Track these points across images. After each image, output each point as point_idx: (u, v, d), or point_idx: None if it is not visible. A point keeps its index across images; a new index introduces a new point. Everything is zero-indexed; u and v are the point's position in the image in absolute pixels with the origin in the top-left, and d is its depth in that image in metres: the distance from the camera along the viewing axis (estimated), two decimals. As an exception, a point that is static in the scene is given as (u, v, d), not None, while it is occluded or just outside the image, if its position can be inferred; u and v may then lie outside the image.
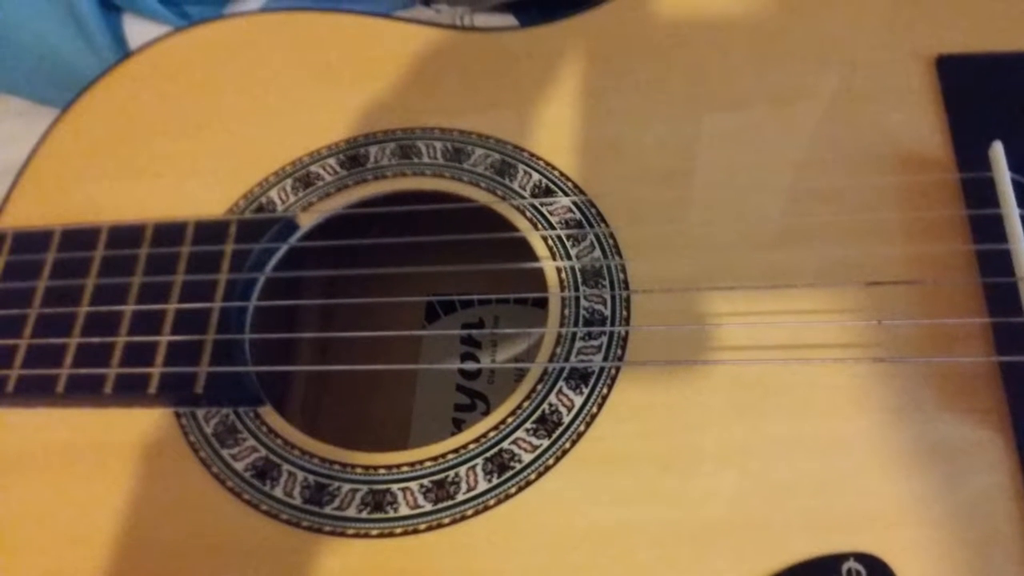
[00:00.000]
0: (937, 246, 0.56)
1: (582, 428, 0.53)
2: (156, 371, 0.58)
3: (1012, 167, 0.56)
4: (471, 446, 0.54)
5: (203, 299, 0.60)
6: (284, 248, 0.63)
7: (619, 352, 0.55)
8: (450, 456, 0.54)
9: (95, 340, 0.59)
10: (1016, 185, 0.55)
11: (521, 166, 0.63)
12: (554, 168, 0.62)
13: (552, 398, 0.54)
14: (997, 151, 0.57)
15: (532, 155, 0.63)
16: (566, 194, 0.61)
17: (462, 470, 0.53)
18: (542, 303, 0.58)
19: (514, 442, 0.53)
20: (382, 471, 0.54)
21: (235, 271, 0.60)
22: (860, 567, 0.48)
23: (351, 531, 0.52)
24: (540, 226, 0.60)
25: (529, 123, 0.64)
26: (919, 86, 0.62)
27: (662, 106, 0.63)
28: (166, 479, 0.55)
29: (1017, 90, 0.61)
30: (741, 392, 0.53)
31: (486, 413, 0.66)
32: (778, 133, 0.61)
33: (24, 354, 0.60)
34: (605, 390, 0.54)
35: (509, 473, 0.52)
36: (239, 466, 0.55)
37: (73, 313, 0.60)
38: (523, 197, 0.61)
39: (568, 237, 0.59)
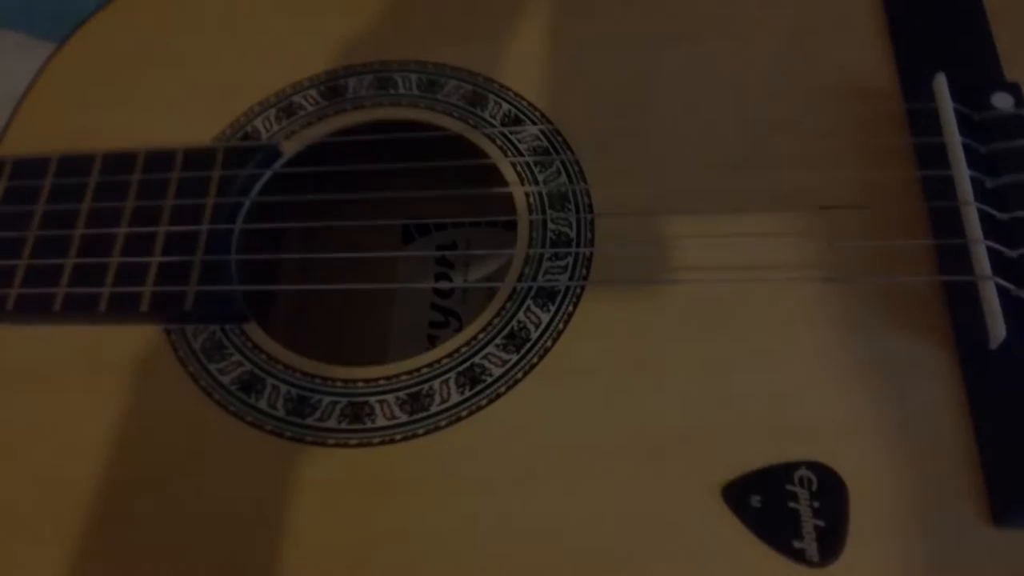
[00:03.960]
0: (885, 172, 0.53)
1: (549, 344, 0.50)
2: (147, 290, 0.55)
3: (954, 97, 0.53)
4: (444, 361, 0.51)
5: (192, 222, 0.57)
6: (268, 174, 0.60)
7: (584, 272, 0.52)
8: (424, 370, 0.51)
9: (90, 261, 0.57)
10: (958, 115, 0.53)
11: (492, 96, 0.60)
12: (523, 98, 0.59)
13: (521, 315, 0.52)
14: (940, 83, 0.54)
15: (502, 86, 0.60)
16: (534, 123, 0.58)
17: (436, 383, 0.50)
18: (511, 226, 0.56)
19: (485, 357, 0.51)
20: (361, 384, 0.51)
21: (222, 196, 0.58)
22: (811, 475, 0.45)
23: (331, 441, 0.49)
24: (509, 153, 0.57)
25: (499, 56, 0.61)
26: (867, 20, 0.59)
27: (624, 38, 0.60)
28: (157, 392, 0.52)
29: (959, 24, 0.58)
30: (699, 310, 0.50)
31: (459, 330, 0.64)
32: (735, 64, 0.58)
33: (23, 274, 0.57)
34: (571, 308, 0.51)
35: (480, 386, 0.50)
36: (225, 380, 0.52)
37: (69, 235, 0.58)
38: (493, 126, 0.59)
39: (536, 164, 0.57)
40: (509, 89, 0.60)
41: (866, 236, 0.51)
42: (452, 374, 0.50)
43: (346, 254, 0.59)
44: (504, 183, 0.57)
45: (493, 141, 0.58)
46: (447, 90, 0.61)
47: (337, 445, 0.49)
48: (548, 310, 0.51)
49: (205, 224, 0.57)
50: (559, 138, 0.57)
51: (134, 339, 0.54)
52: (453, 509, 0.47)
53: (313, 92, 0.62)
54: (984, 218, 0.49)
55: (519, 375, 0.50)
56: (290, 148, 0.60)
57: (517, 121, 0.58)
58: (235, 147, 0.60)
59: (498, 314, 0.52)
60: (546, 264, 0.53)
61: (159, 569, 0.47)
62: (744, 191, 0.53)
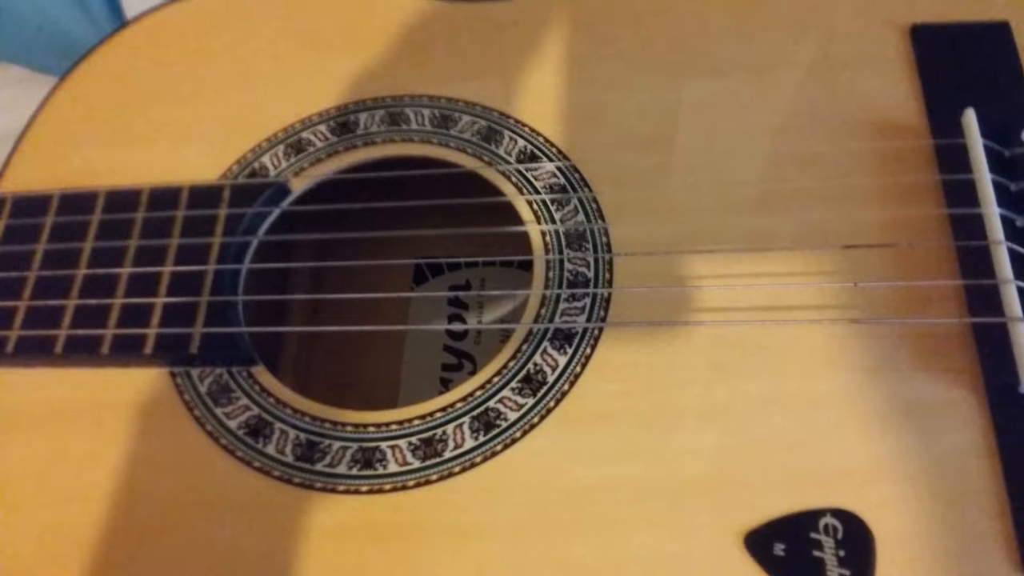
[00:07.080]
0: (911, 210, 0.55)
1: (566, 387, 0.52)
2: (152, 332, 0.56)
3: (984, 133, 0.55)
4: (458, 405, 0.52)
5: (198, 262, 0.58)
6: (276, 212, 0.61)
7: (602, 313, 0.54)
8: (438, 415, 0.52)
9: (92, 302, 0.58)
10: (988, 151, 0.54)
11: (507, 132, 0.61)
12: (539, 134, 0.61)
13: (537, 358, 0.53)
14: (969, 118, 0.55)
15: (517, 122, 0.62)
16: (551, 159, 0.60)
17: (449, 428, 0.52)
18: (527, 266, 0.57)
19: (500, 401, 0.52)
20: (372, 429, 0.52)
21: (229, 235, 0.59)
22: (836, 522, 0.46)
23: (342, 487, 0.51)
24: (525, 191, 0.59)
25: (515, 91, 0.63)
26: (894, 54, 0.60)
27: (644, 73, 0.62)
28: (161, 437, 0.54)
29: (988, 58, 0.59)
30: (721, 352, 0.52)
31: (473, 373, 0.64)
32: (757, 100, 0.60)
33: (24, 315, 0.58)
34: (588, 350, 0.53)
35: (495, 431, 0.51)
36: (232, 424, 0.54)
37: (71, 275, 0.59)
38: (509, 163, 0.60)
39: (552, 201, 0.58)
40: (525, 125, 0.61)
41: (892, 276, 0.52)
42: (466, 418, 0.52)
43: (356, 295, 0.61)
44: (520, 221, 0.58)
45: (508, 178, 0.59)
46: (461, 126, 0.62)
47: (348, 492, 0.50)
48: (565, 352, 0.53)
49: (211, 264, 0.58)
50: (577, 175, 0.59)
51: (138, 382, 0.56)
52: (468, 557, 0.48)
53: (323, 127, 0.63)
54: (1015, 258, 0.51)
55: (535, 420, 0.51)
56: (299, 185, 0.61)
57: (533, 158, 0.60)
58: (242, 184, 0.61)
59: (513, 356, 0.53)
60: (563, 305, 0.54)
61: (164, 619, 0.49)
62: (767, 229, 0.55)
